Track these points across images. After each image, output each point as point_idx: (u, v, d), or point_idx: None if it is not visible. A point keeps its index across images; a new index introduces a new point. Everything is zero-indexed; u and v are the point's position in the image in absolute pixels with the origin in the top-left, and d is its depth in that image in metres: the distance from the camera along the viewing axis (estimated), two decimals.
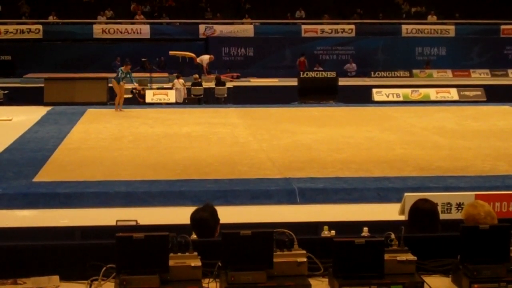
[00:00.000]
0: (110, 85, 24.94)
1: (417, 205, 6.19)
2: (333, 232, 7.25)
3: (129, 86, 25.86)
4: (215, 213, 6.49)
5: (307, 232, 7.17)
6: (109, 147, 17.18)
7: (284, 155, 15.99)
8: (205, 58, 33.71)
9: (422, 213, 6.13)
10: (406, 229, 5.76)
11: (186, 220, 6.64)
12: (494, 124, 21.31)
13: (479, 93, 30.11)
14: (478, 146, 17.34)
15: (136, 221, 8.84)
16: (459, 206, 10.28)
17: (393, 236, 5.32)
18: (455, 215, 9.92)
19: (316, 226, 7.90)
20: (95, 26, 37.37)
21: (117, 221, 8.87)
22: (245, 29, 38.34)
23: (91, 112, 23.57)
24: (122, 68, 24.44)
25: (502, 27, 38.96)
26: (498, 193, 11.19)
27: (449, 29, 38.86)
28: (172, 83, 29.62)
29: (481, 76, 36.41)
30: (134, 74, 31.79)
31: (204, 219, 6.39)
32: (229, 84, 30.74)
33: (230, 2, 41.45)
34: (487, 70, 37.12)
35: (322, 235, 7.12)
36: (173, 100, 27.86)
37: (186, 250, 5.04)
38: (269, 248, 5.05)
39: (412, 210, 6.24)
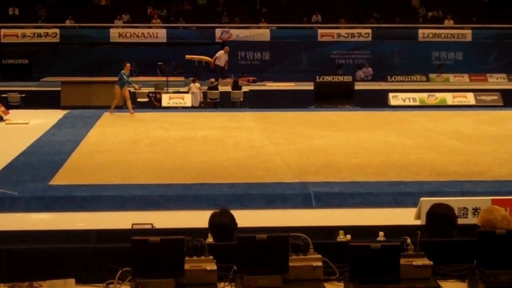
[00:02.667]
0: (128, 89, 24.78)
1: (433, 210, 6.17)
2: (348, 236, 7.24)
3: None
4: (233, 218, 6.50)
5: (322, 237, 7.16)
6: (125, 151, 17.22)
7: (300, 159, 15.98)
8: (221, 56, 33.77)
9: (439, 217, 6.11)
10: (422, 234, 5.75)
11: (202, 224, 6.64)
12: (510, 129, 21.21)
13: (496, 97, 29.99)
14: (495, 151, 17.27)
15: (152, 224, 8.86)
16: (476, 211, 10.23)
17: (409, 240, 5.31)
18: (472, 220, 9.87)
19: (332, 231, 7.90)
20: (111, 30, 37.47)
21: (133, 224, 8.89)
22: (261, 33, 38.34)
23: (107, 115, 23.65)
24: (123, 71, 24.06)
25: None
26: None
27: (466, 34, 38.71)
28: (188, 87, 29.65)
29: (498, 81, 36.23)
30: (151, 78, 31.97)
31: (224, 224, 6.39)
32: (245, 88, 30.74)
33: (246, 6, 41.48)
34: (504, 75, 36.94)
35: (338, 239, 7.12)
36: (189, 104, 27.89)
37: (202, 253, 5.05)
38: (284, 252, 5.05)
39: (429, 214, 6.22)
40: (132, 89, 25.88)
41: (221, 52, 34.10)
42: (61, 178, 14.04)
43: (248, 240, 5.05)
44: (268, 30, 38.49)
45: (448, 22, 39.67)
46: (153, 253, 4.87)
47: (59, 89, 27.46)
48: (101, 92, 27.17)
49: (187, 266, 4.93)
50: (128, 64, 24.37)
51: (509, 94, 30.34)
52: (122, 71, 23.97)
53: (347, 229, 7.50)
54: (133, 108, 24.91)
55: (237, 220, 6.55)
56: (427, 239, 5.81)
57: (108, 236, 8.19)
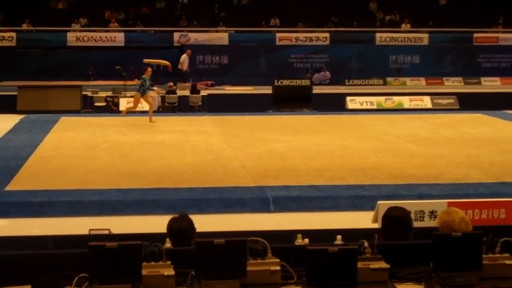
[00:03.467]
0: (84, 93, 24.44)
1: (389, 213, 6.22)
2: (306, 240, 7.26)
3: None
4: (191, 222, 6.49)
5: (280, 241, 7.16)
6: (83, 156, 17.10)
7: (258, 163, 16.00)
8: (185, 60, 33.82)
9: (395, 221, 6.16)
10: (379, 237, 5.79)
11: (160, 229, 6.62)
12: (467, 132, 21.45)
13: (452, 101, 30.30)
14: (451, 154, 17.45)
15: (109, 230, 8.80)
16: (432, 213, 10.34)
17: (366, 244, 5.35)
18: (428, 222, 9.98)
19: (290, 235, 7.91)
20: (69, 34, 37.17)
21: (90, 230, 8.83)
22: (220, 37, 38.32)
23: (64, 120, 23.45)
24: (144, 76, 23.09)
25: (475, 35, 39.23)
26: (470, 201, 11.27)
27: (423, 37, 39.06)
28: None
29: (454, 84, 36.62)
30: (108, 83, 31.74)
31: (182, 229, 6.38)
32: (203, 92, 30.70)
33: (205, 10, 41.43)
34: (460, 78, 37.34)
35: (296, 243, 7.13)
36: (147, 108, 27.75)
37: (160, 259, 5.04)
38: (242, 256, 5.06)
39: (384, 218, 6.27)
40: (153, 94, 25.52)
41: (184, 56, 34.11)
42: (17, 184, 13.89)
43: (206, 244, 5.05)
44: (226, 34, 38.48)
45: (405, 26, 40.00)
46: (110, 259, 4.85)
47: (15, 93, 27.17)
48: (58, 96, 26.94)
49: (144, 272, 4.91)
50: (149, 69, 23.44)
51: (465, 98, 30.66)
52: (144, 76, 23.15)
53: (305, 233, 7.51)
54: (90, 112, 24.71)
55: (196, 225, 6.54)
56: (384, 242, 5.85)
57: (65, 242, 8.12)
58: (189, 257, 5.09)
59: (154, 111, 23.82)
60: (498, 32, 40.13)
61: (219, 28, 39.05)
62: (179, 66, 33.81)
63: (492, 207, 10.80)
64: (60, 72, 34.62)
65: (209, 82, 34.26)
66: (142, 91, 22.80)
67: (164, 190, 13.40)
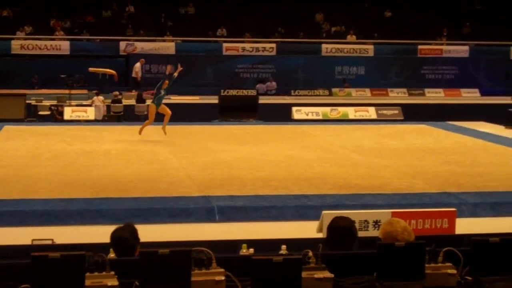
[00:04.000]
0: (29, 101, 23.98)
1: (334, 223, 6.25)
2: (251, 250, 7.26)
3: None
4: (135, 232, 6.44)
5: (225, 250, 7.16)
6: (26, 165, 16.88)
7: (204, 173, 15.96)
8: (139, 69, 33.79)
9: (339, 230, 6.19)
10: (324, 247, 5.82)
11: (104, 239, 6.56)
12: (411, 142, 21.68)
13: (396, 112, 30.63)
14: (395, 164, 17.61)
15: (52, 240, 8.69)
16: (376, 223, 10.41)
17: (310, 253, 5.37)
18: (372, 232, 10.04)
19: (235, 244, 7.91)
20: (13, 42, 36.78)
21: (32, 240, 8.71)
22: (167, 46, 38.26)
23: (8, 129, 23.14)
24: (159, 85, 21.84)
25: (419, 47, 39.79)
26: (414, 211, 11.37)
27: (368, 49, 39.48)
28: (91, 100, 29.31)
29: (398, 95, 37.07)
30: (53, 91, 31.43)
31: (124, 239, 6.33)
32: (149, 102, 30.55)
33: (151, 19, 41.34)
34: (405, 90, 37.82)
35: (241, 253, 7.13)
36: (92, 117, 27.59)
37: (103, 269, 4.99)
38: (187, 266, 5.04)
39: (329, 227, 6.30)
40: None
41: (138, 64, 34.01)
42: None
43: (150, 255, 5.02)
44: (173, 44, 38.44)
45: (351, 38, 40.38)
46: (53, 269, 4.79)
47: None
48: (1, 104, 26.61)
49: (87, 282, 4.86)
50: (166, 81, 22.12)
51: (409, 109, 31.05)
52: (158, 85, 21.92)
53: (250, 243, 7.51)
54: (34, 121, 24.43)
55: (140, 235, 6.49)
56: (329, 252, 5.88)
57: (7, 252, 7.99)
58: (134, 267, 5.05)
59: (98, 120, 23.60)
60: (442, 44, 40.74)
61: (165, 38, 38.99)
62: (134, 75, 33.77)
63: (435, 217, 10.91)
64: (4, 80, 34.19)
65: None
66: (157, 102, 21.78)
67: (108, 200, 13.28)
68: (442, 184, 15.06)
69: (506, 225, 12.16)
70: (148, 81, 35.72)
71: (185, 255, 5.07)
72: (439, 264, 5.73)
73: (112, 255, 6.16)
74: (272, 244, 7.68)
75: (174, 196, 13.67)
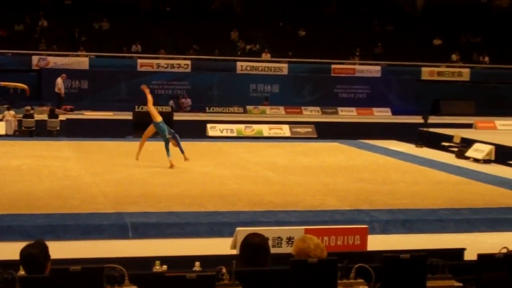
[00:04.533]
0: None
1: (247, 240, 6.27)
2: (164, 267, 7.21)
3: None
4: (45, 249, 6.32)
5: (138, 267, 7.09)
6: None
7: (117, 189, 15.82)
8: (60, 84, 33.37)
9: (253, 247, 6.20)
10: (238, 263, 5.83)
11: (14, 256, 6.43)
12: (323, 160, 21.92)
13: (310, 129, 30.96)
14: (308, 181, 17.78)
15: None
16: (290, 240, 10.48)
17: (224, 270, 5.37)
18: (286, 249, 10.10)
19: (148, 261, 7.84)
20: None
21: None
22: (80, 61, 37.84)
23: None
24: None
25: (333, 66, 40.32)
26: (326, 228, 11.50)
27: (282, 67, 39.80)
28: (2, 114, 28.74)
29: (312, 113, 37.43)
30: None
31: (33, 255, 6.20)
32: (62, 117, 30.18)
33: (65, 34, 40.85)
34: (318, 108, 38.21)
35: (154, 270, 7.07)
36: (3, 132, 27.05)
37: (13, 286, 4.90)
38: (99, 283, 4.99)
39: (243, 244, 6.31)
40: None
41: (59, 80, 33.54)
42: None
43: (61, 272, 4.95)
44: (87, 59, 38.04)
45: (265, 56, 40.66)
46: None
47: None
48: None
49: None
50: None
51: (323, 127, 31.41)
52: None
53: (164, 259, 7.46)
54: None
55: (52, 252, 6.38)
56: (242, 269, 5.89)
57: None
58: (44, 285, 4.97)
59: (9, 135, 23.13)
60: (354, 63, 41.37)
61: (79, 53, 38.56)
62: (57, 90, 33.37)
63: (347, 233, 11.05)
64: None
65: (68, 107, 33.73)
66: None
67: (19, 216, 13.03)
68: (354, 201, 15.27)
69: (416, 242, 12.39)
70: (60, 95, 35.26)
71: (97, 272, 5.01)
72: (351, 280, 5.80)
73: (22, 272, 6.04)
74: (186, 261, 7.65)
75: (86, 212, 13.50)
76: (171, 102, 34.34)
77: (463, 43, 46.05)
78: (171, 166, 19.01)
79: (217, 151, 23.22)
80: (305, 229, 10.75)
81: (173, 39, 41.81)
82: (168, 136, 19.48)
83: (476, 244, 12.27)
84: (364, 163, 21.73)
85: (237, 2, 48.45)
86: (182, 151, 19.35)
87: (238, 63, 39.38)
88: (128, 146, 24.07)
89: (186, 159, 19.29)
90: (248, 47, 42.25)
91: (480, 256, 6.31)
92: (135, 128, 28.19)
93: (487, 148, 22.85)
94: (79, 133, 27.23)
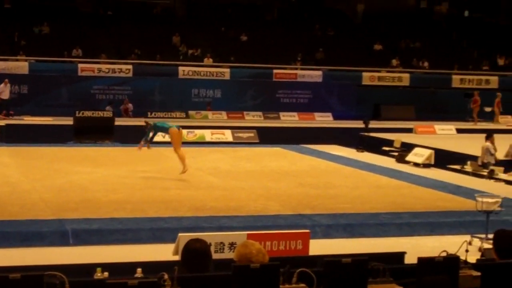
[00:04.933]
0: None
1: (189, 245, 6.24)
2: (106, 273, 7.16)
3: None
4: None
5: (79, 275, 7.02)
6: None
7: (57, 196, 15.65)
8: (4, 89, 32.90)
9: (194, 253, 6.18)
10: (180, 269, 5.81)
11: None
12: (266, 165, 21.98)
13: (252, 134, 30.99)
14: (251, 186, 17.81)
15: None
16: (232, 245, 10.48)
17: (166, 276, 5.35)
18: (228, 254, 10.10)
19: (90, 268, 7.77)
20: None
21: None
22: (19, 66, 37.31)
23: None
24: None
25: (275, 71, 40.41)
26: (269, 232, 11.54)
27: (225, 72, 39.78)
28: None
29: (254, 118, 37.49)
30: None
31: None
32: (1, 122, 29.75)
33: (4, 38, 40.25)
34: (260, 113, 38.29)
35: (95, 277, 7.01)
36: None
37: None
38: None
39: (184, 250, 6.29)
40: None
41: (3, 85, 33.04)
42: None
43: (0, 280, 4.87)
44: (26, 63, 37.52)
45: (208, 61, 40.62)
46: None
47: None
48: None
49: None
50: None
51: (265, 132, 31.47)
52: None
53: (105, 266, 7.41)
54: None
55: None
56: (184, 275, 5.87)
57: None
58: None
59: None
60: (296, 69, 41.56)
61: (18, 57, 38.03)
62: (1, 96, 32.87)
63: (290, 238, 11.09)
64: None
65: (4, 112, 33.27)
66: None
67: None
68: (296, 206, 15.33)
69: (357, 246, 12.49)
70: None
71: (37, 279, 4.94)
72: (293, 285, 5.82)
73: None
74: (127, 268, 7.60)
75: (26, 219, 13.33)
76: (108, 107, 34.03)
77: (403, 48, 46.62)
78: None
79: (158, 157, 23.10)
80: (248, 234, 10.77)
81: (115, 43, 41.54)
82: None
83: (416, 247, 12.44)
84: (306, 168, 21.84)
85: (179, 6, 48.34)
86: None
87: (180, 68, 39.26)
88: (68, 152, 23.86)
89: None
90: (190, 51, 42.17)
91: (420, 259, 6.38)
92: (76, 134, 27.94)
93: (427, 152, 23.15)
94: (19, 139, 26.84)
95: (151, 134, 19.61)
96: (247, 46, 43.56)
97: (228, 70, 39.84)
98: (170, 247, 10.47)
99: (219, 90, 38.84)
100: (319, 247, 11.54)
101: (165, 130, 19.52)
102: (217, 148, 26.57)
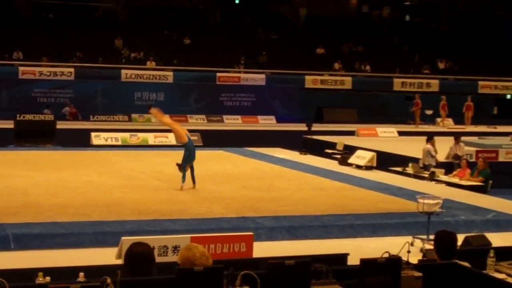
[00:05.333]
0: None
1: (131, 249, 6.20)
2: (48, 278, 7.08)
3: None
4: None
5: (21, 280, 6.93)
6: None
7: None
8: None
9: (137, 256, 6.15)
10: (123, 273, 5.77)
11: None
12: (209, 168, 21.95)
13: (195, 138, 30.87)
14: (194, 189, 17.76)
15: None
16: (175, 248, 10.45)
17: (109, 280, 5.31)
18: (172, 257, 10.06)
19: (31, 273, 7.67)
20: None
21: None
22: None
23: None
24: None
25: (218, 74, 40.42)
26: (212, 235, 11.52)
27: (168, 75, 39.66)
28: None
29: (197, 122, 37.44)
30: None
31: None
32: None
33: None
34: (204, 116, 38.27)
35: (37, 282, 6.93)
36: None
37: None
38: None
39: (127, 254, 6.25)
40: None
41: None
42: None
43: None
44: None
45: (150, 64, 40.45)
46: None
47: None
48: None
49: None
50: None
51: (208, 135, 31.44)
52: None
53: (47, 271, 7.31)
54: None
55: None
56: (127, 279, 5.83)
57: None
58: None
59: None
60: (239, 72, 41.61)
61: None
62: None
63: (233, 241, 11.09)
64: None
65: None
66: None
67: None
68: (240, 209, 15.35)
69: (301, 248, 12.54)
70: None
71: None
72: None
73: None
74: (70, 272, 7.52)
75: None
76: (46, 110, 33.62)
77: (345, 52, 47.01)
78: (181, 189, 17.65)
79: (101, 160, 22.94)
80: (191, 237, 10.75)
81: (56, 46, 41.12)
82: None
83: (359, 249, 12.53)
84: (249, 170, 21.88)
85: (121, 9, 48.05)
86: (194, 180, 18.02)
87: (123, 71, 39.02)
88: (9, 156, 23.54)
89: (194, 187, 17.93)
90: (132, 55, 41.94)
91: (363, 260, 6.43)
92: (16, 137, 27.60)
93: (369, 154, 23.37)
94: None
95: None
96: (190, 50, 43.50)
97: (171, 73, 39.74)
98: (113, 251, 10.39)
99: (162, 93, 38.70)
100: (262, 249, 11.56)
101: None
102: (160, 151, 26.45)
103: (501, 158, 25.43)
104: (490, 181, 20.83)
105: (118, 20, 46.68)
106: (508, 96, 46.39)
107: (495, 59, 49.07)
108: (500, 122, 41.59)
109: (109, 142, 29.26)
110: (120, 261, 9.48)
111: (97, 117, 36.22)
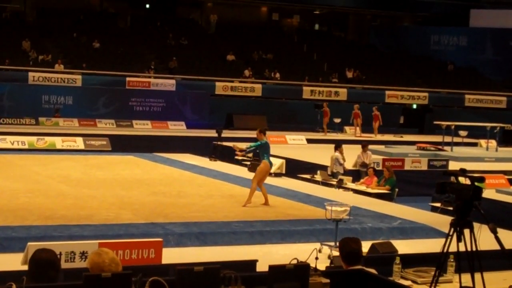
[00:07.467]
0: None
1: (35, 255, 6.10)
2: None
3: None
4: None
5: None
6: None
7: None
8: None
9: (41, 263, 6.04)
10: (28, 279, 5.68)
11: None
12: (118, 173, 21.78)
13: (104, 142, 30.61)
14: (103, 195, 17.60)
15: None
16: (83, 254, 10.32)
17: (14, 286, 5.22)
18: (80, 263, 9.94)
19: None
20: None
21: None
22: None
23: None
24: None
25: (128, 79, 40.09)
26: (121, 241, 11.42)
27: (76, 79, 39.13)
28: None
29: (106, 126, 37.03)
30: None
31: None
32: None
33: None
34: (113, 121, 37.86)
35: None
36: None
37: None
38: None
39: (31, 260, 6.14)
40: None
41: None
42: None
43: None
44: None
45: (59, 67, 39.85)
46: None
47: None
48: None
49: None
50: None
51: (117, 140, 31.15)
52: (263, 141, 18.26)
53: None
54: None
55: None
56: (32, 285, 5.74)
57: None
58: None
59: None
60: (150, 77, 41.38)
61: None
62: None
63: (142, 247, 11.01)
64: None
65: None
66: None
67: None
68: (149, 215, 15.26)
69: (210, 254, 12.54)
70: None
71: None
72: None
73: None
74: None
75: None
76: None
77: (255, 59, 47.25)
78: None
79: (7, 164, 22.49)
80: (99, 243, 10.62)
81: None
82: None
83: (268, 255, 12.60)
84: (159, 176, 21.79)
85: (30, 11, 47.21)
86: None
87: (30, 74, 38.33)
88: None
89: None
90: (40, 57, 41.23)
91: (272, 267, 6.48)
92: None
93: (278, 161, 23.51)
94: None
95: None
96: (100, 53, 43.04)
97: (80, 77, 39.22)
98: (19, 256, 10.19)
99: (71, 97, 38.14)
100: (172, 255, 11.53)
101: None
102: (68, 155, 26.11)
103: (407, 167, 25.91)
104: (397, 189, 21.21)
105: (25, 22, 45.86)
106: (415, 106, 47.35)
107: (402, 69, 50.12)
108: (406, 131, 42.42)
109: (15, 146, 28.68)
110: (26, 267, 9.31)
111: (3, 120, 35.47)
